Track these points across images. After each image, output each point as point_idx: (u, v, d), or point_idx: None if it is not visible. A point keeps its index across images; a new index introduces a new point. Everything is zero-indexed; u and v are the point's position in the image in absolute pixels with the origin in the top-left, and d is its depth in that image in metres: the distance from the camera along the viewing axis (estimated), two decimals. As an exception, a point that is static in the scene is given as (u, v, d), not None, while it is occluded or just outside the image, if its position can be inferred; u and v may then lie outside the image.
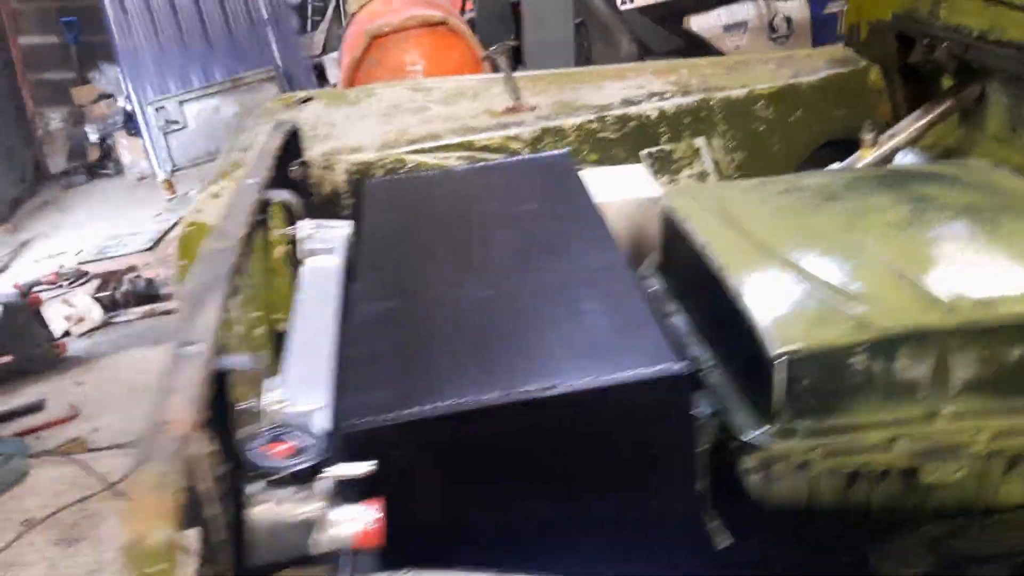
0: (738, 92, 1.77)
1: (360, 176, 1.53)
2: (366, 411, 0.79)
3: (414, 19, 2.38)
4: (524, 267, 1.05)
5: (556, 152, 1.54)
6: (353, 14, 2.78)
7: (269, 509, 0.72)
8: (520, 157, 1.53)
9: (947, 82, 1.73)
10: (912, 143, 1.65)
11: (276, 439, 0.73)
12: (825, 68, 1.86)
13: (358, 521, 0.73)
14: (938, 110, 1.68)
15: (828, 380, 0.94)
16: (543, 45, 2.25)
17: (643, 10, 4.04)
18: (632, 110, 1.71)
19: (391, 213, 1.23)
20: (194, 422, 0.68)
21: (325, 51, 5.24)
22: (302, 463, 0.72)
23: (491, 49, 1.73)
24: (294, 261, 1.57)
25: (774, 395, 0.93)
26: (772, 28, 4.72)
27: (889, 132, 1.73)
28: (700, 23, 4.56)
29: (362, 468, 0.74)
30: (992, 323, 0.95)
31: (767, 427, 0.94)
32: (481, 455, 0.80)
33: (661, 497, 0.85)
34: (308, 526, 0.73)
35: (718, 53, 4.31)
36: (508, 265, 1.06)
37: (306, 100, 1.87)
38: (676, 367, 0.83)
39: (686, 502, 0.86)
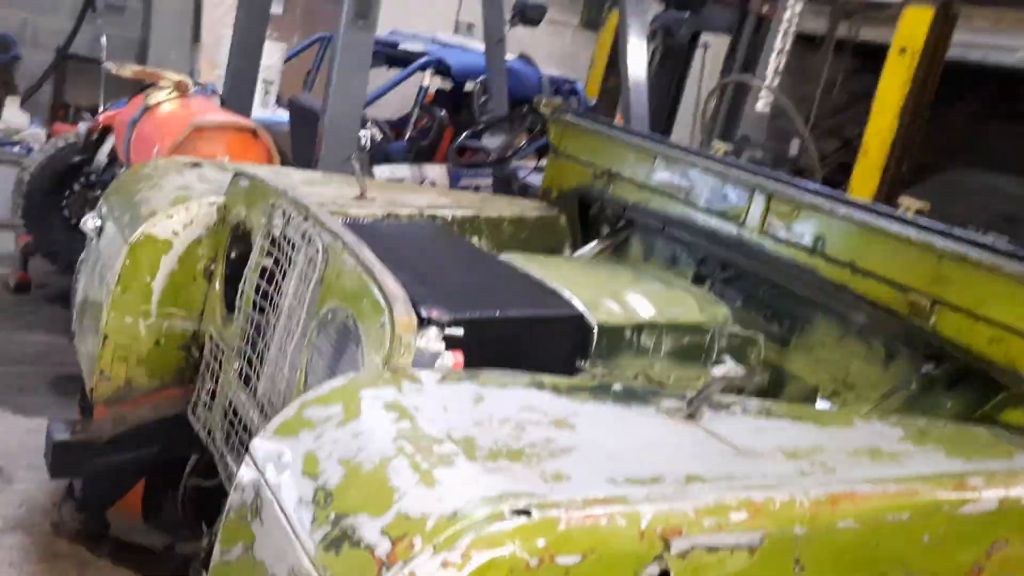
0: (493, 214, 2.78)
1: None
2: (456, 310, 1.57)
3: (231, 123, 3.03)
4: (475, 270, 1.90)
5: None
6: (152, 105, 3.28)
7: (423, 343, 1.45)
8: (430, 224, 2.35)
9: (606, 228, 2.93)
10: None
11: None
12: (536, 211, 2.96)
13: (453, 358, 1.50)
14: (604, 244, 2.88)
15: (612, 341, 1.92)
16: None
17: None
18: (436, 212, 2.62)
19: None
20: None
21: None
22: (440, 320, 1.47)
23: (352, 156, 2.52)
24: (209, 273, 2.18)
25: (595, 343, 1.88)
26: (421, 188, 5.95)
27: (575, 254, 2.88)
28: (374, 173, 5.64)
29: (459, 331, 1.51)
30: (671, 323, 2.02)
31: (587, 361, 1.89)
32: (498, 339, 1.62)
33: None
34: (436, 355, 1.47)
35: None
36: (462, 265, 1.90)
37: (196, 164, 2.44)
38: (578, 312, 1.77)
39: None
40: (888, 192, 8.15)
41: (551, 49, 9.50)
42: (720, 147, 2.66)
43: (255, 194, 2.04)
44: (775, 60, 4.35)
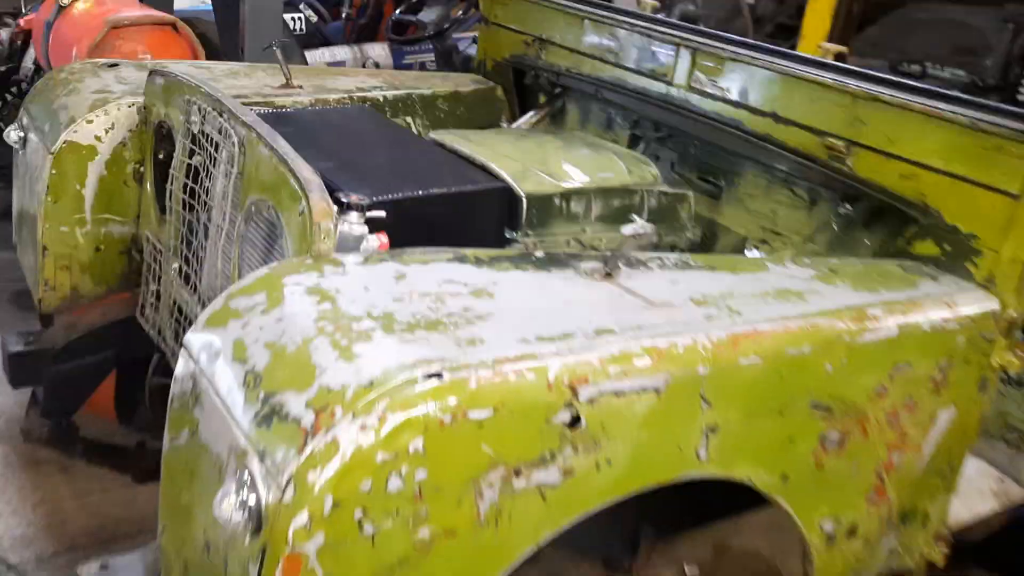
0: (427, 91, 2.76)
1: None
2: (376, 192, 1.60)
3: (149, 17, 2.94)
4: (400, 151, 1.91)
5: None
6: (66, 5, 3.15)
7: (345, 227, 1.50)
8: (354, 107, 2.34)
9: (542, 97, 2.93)
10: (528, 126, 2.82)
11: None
12: (472, 84, 2.94)
13: (379, 240, 1.54)
14: (540, 113, 2.88)
15: (542, 209, 1.97)
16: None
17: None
18: (367, 95, 2.60)
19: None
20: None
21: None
22: (360, 204, 1.51)
23: (272, 43, 2.47)
24: (139, 176, 2.18)
25: (523, 213, 1.93)
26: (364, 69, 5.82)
27: (513, 125, 2.88)
28: (311, 58, 5.50)
29: (381, 213, 1.55)
30: (600, 187, 2.07)
31: (518, 231, 1.94)
32: (424, 218, 1.66)
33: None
34: (360, 239, 1.51)
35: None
36: (388, 147, 1.91)
37: (113, 65, 2.39)
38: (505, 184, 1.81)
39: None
40: (842, 34, 8.08)
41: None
42: (647, 4, 2.63)
43: (172, 92, 2.02)
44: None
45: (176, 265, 1.96)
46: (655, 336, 1.30)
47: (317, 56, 5.46)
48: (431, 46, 4.80)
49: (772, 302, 1.50)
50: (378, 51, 5.71)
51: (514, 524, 1.18)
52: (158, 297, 2.06)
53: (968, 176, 1.76)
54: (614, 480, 1.28)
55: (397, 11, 4.95)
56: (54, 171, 2.05)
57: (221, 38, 3.86)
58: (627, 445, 1.27)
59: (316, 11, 5.53)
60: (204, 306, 1.87)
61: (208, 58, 3.48)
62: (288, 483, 1.05)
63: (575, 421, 1.20)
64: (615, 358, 1.23)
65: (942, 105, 1.79)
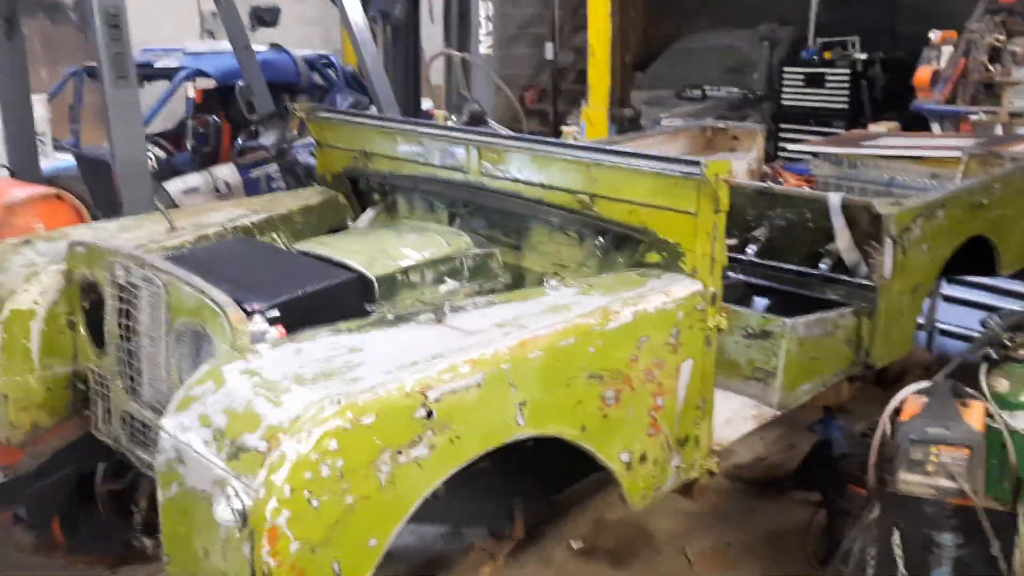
0: (283, 210, 3.46)
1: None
2: (269, 299, 2.28)
3: (36, 194, 3.50)
4: (276, 264, 2.60)
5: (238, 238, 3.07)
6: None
7: (254, 327, 2.17)
8: (233, 239, 3.00)
9: (376, 196, 3.68)
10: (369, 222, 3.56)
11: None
12: (317, 196, 3.66)
13: (278, 330, 2.23)
14: (377, 210, 3.62)
15: (389, 285, 2.69)
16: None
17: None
18: (237, 224, 3.27)
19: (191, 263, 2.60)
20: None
21: None
22: (260, 310, 2.19)
23: (155, 199, 3.12)
24: (72, 324, 2.77)
25: (376, 291, 2.65)
26: (217, 190, 6.42)
27: (356, 223, 3.61)
28: (170, 188, 6.06)
29: (273, 313, 2.24)
30: (428, 260, 2.82)
31: (375, 304, 2.65)
32: (306, 309, 2.36)
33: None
34: (264, 332, 2.19)
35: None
36: (266, 263, 2.60)
37: (27, 242, 2.96)
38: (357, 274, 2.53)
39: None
40: (623, 80, 9.30)
41: (299, 14, 9.86)
42: (439, 115, 3.44)
43: (94, 256, 2.64)
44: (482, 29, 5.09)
45: (121, 384, 2.56)
46: (471, 352, 2.04)
47: (174, 185, 6.05)
48: (275, 164, 5.48)
49: (547, 315, 2.28)
50: (226, 172, 6.35)
51: (404, 485, 1.88)
52: (108, 412, 2.65)
53: (666, 205, 2.61)
54: (464, 448, 2.00)
55: (239, 139, 5.61)
56: (5, 335, 2.61)
57: (90, 192, 4.42)
58: (468, 424, 2.00)
59: (161, 147, 6.11)
60: (151, 409, 2.49)
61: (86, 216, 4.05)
62: (261, 486, 1.72)
63: (429, 414, 1.91)
64: (447, 369, 1.96)
65: (638, 162, 2.65)
